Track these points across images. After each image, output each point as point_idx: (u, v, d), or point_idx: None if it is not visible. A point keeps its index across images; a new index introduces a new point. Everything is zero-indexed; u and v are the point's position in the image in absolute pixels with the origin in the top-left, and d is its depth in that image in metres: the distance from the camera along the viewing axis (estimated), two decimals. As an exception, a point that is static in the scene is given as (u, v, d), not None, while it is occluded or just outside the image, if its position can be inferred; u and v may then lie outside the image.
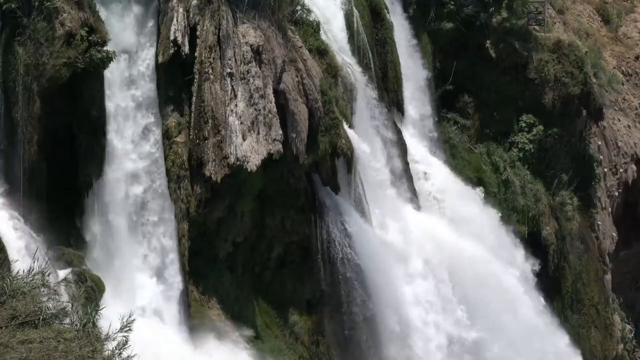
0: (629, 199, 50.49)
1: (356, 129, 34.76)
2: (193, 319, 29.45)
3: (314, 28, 34.08)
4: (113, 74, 27.70)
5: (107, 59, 26.71)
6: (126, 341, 12.95)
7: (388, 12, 38.88)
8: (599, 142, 47.67)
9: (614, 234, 48.40)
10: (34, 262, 14.78)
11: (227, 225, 30.94)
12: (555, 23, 47.63)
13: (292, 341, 32.31)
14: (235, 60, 29.89)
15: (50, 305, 13.64)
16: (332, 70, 34.23)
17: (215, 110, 29.38)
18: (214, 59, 29.55)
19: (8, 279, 13.91)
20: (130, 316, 13.25)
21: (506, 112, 43.58)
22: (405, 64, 39.58)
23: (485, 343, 36.49)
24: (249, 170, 29.62)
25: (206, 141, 29.38)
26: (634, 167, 49.94)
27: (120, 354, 12.64)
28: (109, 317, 14.79)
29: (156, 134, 29.17)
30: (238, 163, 29.38)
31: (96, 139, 27.21)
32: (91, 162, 27.25)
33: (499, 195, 41.92)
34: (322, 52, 33.98)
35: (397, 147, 37.10)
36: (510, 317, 37.70)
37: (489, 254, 38.25)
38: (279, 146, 30.29)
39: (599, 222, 46.89)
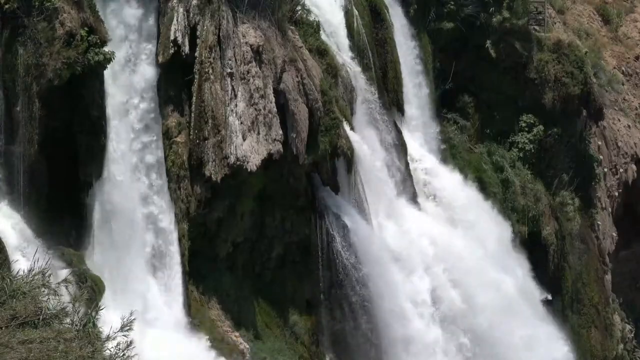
0: (629, 199, 50.45)
1: (356, 129, 34.76)
2: (193, 319, 29.44)
3: (314, 28, 34.07)
4: None
5: (107, 60, 26.71)
6: (130, 342, 12.94)
7: (388, 12, 38.86)
8: (599, 142, 47.64)
9: (614, 234, 48.36)
10: (34, 262, 14.76)
11: (227, 225, 30.93)
12: (555, 23, 47.59)
13: (292, 341, 32.30)
14: (236, 60, 29.89)
15: (51, 305, 13.63)
16: (332, 70, 34.22)
17: (215, 110, 29.38)
18: (214, 59, 29.55)
19: (8, 279, 13.90)
20: (130, 315, 13.25)
21: (506, 112, 43.58)
22: (405, 63, 39.56)
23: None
24: (249, 170, 29.63)
25: (206, 141, 29.38)
26: (634, 167, 49.90)
27: (124, 354, 12.63)
28: (109, 317, 14.79)
29: None
30: (238, 163, 29.38)
31: (96, 139, 27.19)
32: (91, 162, 27.24)
33: (499, 195, 41.92)
34: (322, 52, 33.96)
35: (397, 147, 37.09)
36: (510, 319, 37.70)
37: (488, 252, 38.29)
38: (279, 146, 30.29)
39: (599, 222, 46.87)
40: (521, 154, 43.32)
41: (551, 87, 43.81)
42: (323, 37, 34.66)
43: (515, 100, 43.77)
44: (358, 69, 36.15)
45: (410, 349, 34.52)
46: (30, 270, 14.13)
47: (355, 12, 36.63)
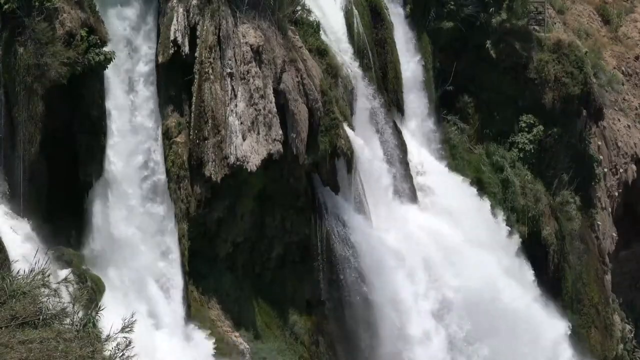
0: (629, 199, 50.45)
1: (356, 129, 34.76)
2: (193, 319, 29.44)
3: (314, 28, 34.09)
4: None
5: (107, 60, 26.73)
6: (129, 342, 12.94)
7: (388, 12, 38.88)
8: (599, 142, 47.64)
9: (614, 234, 48.36)
10: (34, 262, 14.76)
11: (227, 225, 30.93)
12: (555, 23, 47.60)
13: (292, 341, 32.31)
14: (235, 60, 29.90)
15: (51, 305, 13.63)
16: (332, 70, 34.24)
17: (215, 110, 29.39)
18: (214, 59, 29.55)
19: (8, 279, 13.90)
20: (132, 316, 13.24)
21: (506, 112, 43.58)
22: (405, 64, 39.57)
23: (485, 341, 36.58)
24: (249, 170, 29.63)
25: (206, 141, 29.39)
26: (634, 167, 49.90)
27: (123, 354, 12.63)
28: (108, 316, 14.78)
29: None
30: (238, 163, 29.39)
31: (96, 139, 27.21)
32: (91, 162, 27.26)
33: (499, 196, 41.92)
34: (322, 52, 33.98)
35: (397, 147, 37.10)
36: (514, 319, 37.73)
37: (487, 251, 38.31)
38: (279, 146, 30.29)
39: (599, 222, 46.86)
40: (521, 154, 43.31)
41: (551, 87, 43.81)
42: (323, 37, 34.67)
43: (515, 100, 43.77)
44: (358, 69, 36.15)
45: (411, 347, 34.51)
46: (30, 270, 14.13)
47: (355, 12, 36.64)
